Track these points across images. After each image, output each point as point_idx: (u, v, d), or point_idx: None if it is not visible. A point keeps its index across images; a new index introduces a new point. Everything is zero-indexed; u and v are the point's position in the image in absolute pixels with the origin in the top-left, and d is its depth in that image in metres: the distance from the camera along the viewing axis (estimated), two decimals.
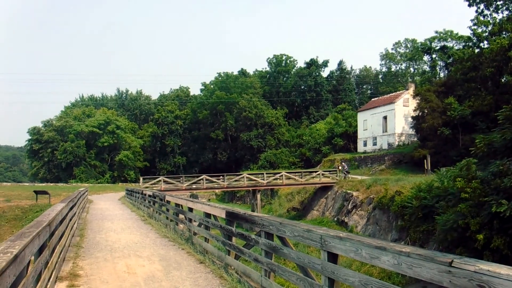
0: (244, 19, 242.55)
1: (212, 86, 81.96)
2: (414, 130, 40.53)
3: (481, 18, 34.48)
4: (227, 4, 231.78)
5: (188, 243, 9.73)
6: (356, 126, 54.42)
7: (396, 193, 21.40)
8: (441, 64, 56.96)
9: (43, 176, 68.33)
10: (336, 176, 34.03)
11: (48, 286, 5.05)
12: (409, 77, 72.39)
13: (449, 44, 54.73)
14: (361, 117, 53.03)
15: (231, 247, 7.06)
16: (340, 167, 35.85)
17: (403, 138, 46.17)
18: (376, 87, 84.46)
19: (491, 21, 33.94)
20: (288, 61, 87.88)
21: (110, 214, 18.39)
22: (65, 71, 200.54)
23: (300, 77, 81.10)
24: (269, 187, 36.30)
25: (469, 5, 34.47)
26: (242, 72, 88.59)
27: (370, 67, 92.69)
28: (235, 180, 32.81)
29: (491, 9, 33.81)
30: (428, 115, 34.59)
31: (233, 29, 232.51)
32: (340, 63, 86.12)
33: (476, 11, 34.49)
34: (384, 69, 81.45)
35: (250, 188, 33.62)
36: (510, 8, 33.15)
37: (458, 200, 14.27)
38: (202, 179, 31.21)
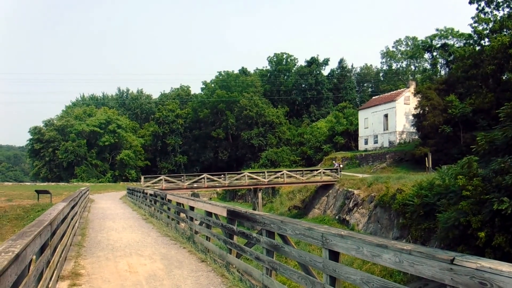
0: (244, 18, 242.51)
1: (213, 85, 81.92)
2: (415, 128, 40.48)
3: (482, 15, 34.39)
4: (227, 3, 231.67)
5: (189, 241, 9.73)
6: (357, 124, 54.35)
7: (398, 191, 21.39)
8: (442, 62, 56.85)
9: (45, 176, 68.49)
10: (337, 174, 34.05)
11: (49, 285, 5.06)
12: (410, 75, 72.31)
13: (450, 42, 54.64)
14: (362, 115, 52.96)
15: (233, 246, 7.06)
16: (339, 166, 35.96)
17: (404, 136, 46.12)
18: (377, 85, 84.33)
19: (492, 19, 33.85)
20: (288, 60, 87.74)
21: (111, 213, 18.42)
22: (66, 71, 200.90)
23: (300, 76, 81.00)
24: (270, 186, 36.26)
25: (470, 3, 34.38)
26: (243, 71, 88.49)
27: (371, 65, 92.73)
28: (236, 179, 32.82)
29: (492, 6, 33.70)
30: (429, 113, 34.53)
31: (234, 28, 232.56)
32: (341, 61, 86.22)
33: (477, 9, 34.41)
34: (385, 67, 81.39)
35: (251, 187, 33.62)
36: (511, 6, 33.03)
37: (459, 198, 14.26)
38: (203, 178, 31.20)
